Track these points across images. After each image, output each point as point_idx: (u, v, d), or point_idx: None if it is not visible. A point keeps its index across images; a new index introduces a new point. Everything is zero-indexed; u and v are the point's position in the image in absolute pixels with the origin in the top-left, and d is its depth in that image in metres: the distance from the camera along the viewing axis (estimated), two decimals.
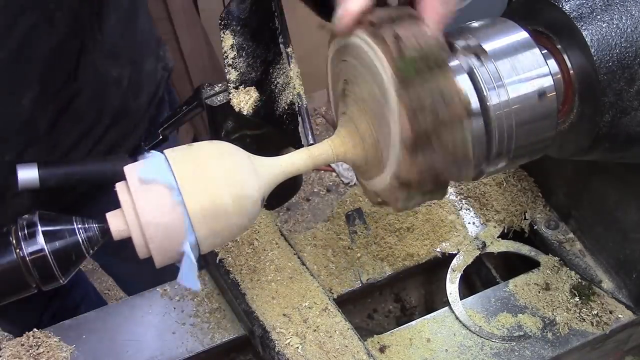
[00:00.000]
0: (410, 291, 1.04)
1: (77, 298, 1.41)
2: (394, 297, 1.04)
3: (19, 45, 0.76)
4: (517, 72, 0.66)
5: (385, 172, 0.65)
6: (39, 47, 0.79)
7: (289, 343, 0.79)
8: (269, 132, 0.86)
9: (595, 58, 0.65)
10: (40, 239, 0.57)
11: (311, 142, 0.76)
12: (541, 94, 0.66)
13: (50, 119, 0.87)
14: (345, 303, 0.92)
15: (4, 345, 0.86)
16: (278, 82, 0.83)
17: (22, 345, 0.86)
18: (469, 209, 1.00)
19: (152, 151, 0.62)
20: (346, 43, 0.64)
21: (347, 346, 0.79)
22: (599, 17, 0.66)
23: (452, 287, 0.91)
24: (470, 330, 0.87)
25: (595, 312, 0.87)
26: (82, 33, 0.84)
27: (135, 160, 0.62)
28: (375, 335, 0.87)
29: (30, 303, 0.90)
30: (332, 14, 0.64)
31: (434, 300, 1.02)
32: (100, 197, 0.94)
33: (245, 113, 0.83)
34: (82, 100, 0.90)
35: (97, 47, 0.88)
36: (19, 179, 0.89)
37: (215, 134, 0.90)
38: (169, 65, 1.09)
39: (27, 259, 0.57)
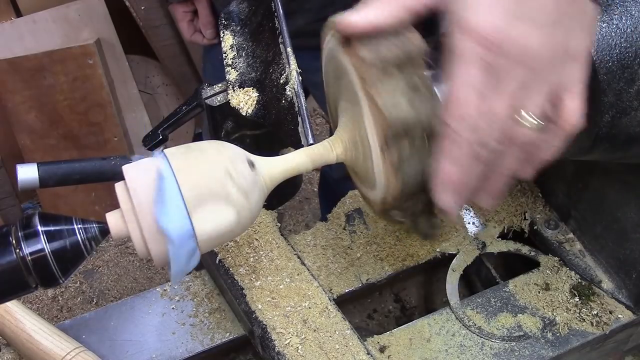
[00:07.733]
0: (410, 291, 1.04)
1: None
2: (394, 297, 1.04)
3: None
4: None
5: (376, 189, 0.65)
6: None
7: (288, 343, 0.79)
8: (269, 132, 0.86)
9: (595, 58, 0.65)
10: (40, 239, 0.57)
11: (311, 142, 0.76)
12: None
13: None
14: (345, 303, 0.92)
15: (2, 351, 0.87)
16: (278, 82, 0.82)
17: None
18: (469, 209, 1.00)
19: (152, 151, 0.62)
20: (335, 49, 0.63)
21: (347, 346, 0.79)
22: (598, 17, 0.66)
23: (452, 287, 0.91)
24: (470, 330, 0.87)
25: (595, 312, 0.87)
26: None
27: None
28: (375, 335, 0.87)
29: None
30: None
31: (434, 300, 1.02)
32: None
33: (244, 113, 0.83)
34: None
35: None
36: (18, 179, 0.89)
37: (214, 134, 0.90)
38: None
39: (27, 259, 0.57)
